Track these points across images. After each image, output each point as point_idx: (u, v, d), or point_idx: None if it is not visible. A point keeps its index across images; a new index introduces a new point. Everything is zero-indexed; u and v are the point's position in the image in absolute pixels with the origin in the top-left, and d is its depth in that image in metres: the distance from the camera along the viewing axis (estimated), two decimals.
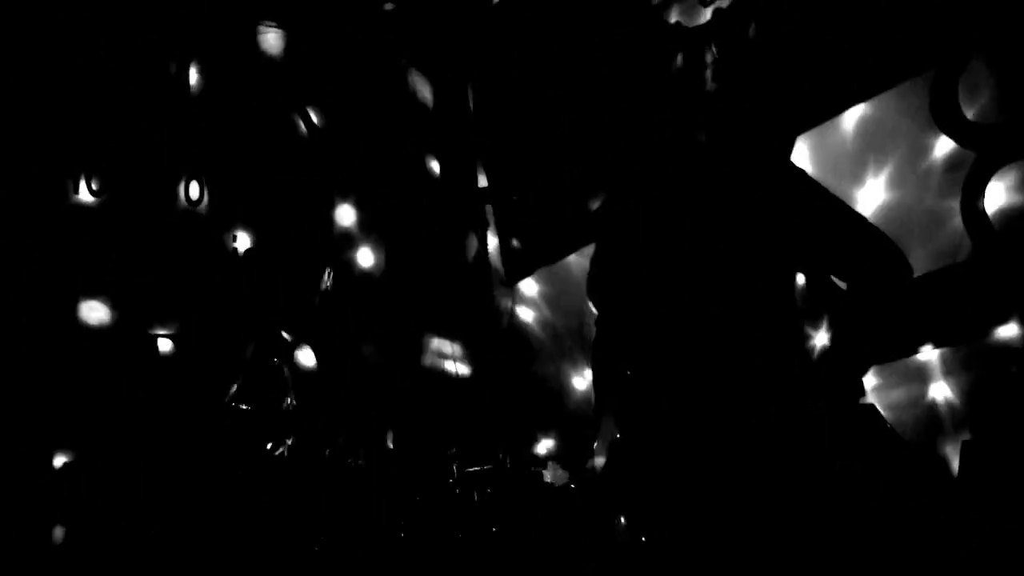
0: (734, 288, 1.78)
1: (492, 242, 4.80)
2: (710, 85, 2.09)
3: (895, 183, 3.25)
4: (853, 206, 3.27)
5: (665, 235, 1.84)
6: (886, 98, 3.23)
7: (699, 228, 1.80)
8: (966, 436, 2.87)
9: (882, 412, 3.17)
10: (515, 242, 4.68)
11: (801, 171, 1.98)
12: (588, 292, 2.13)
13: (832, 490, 1.82)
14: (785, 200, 1.82)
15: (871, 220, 3.34)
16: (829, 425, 1.90)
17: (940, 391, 3.11)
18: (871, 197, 3.28)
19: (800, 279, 1.91)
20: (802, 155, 3.42)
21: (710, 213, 1.80)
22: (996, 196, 2.95)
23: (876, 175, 3.29)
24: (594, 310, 2.12)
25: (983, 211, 2.94)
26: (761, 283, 1.79)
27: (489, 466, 3.43)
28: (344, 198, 4.69)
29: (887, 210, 3.23)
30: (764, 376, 1.75)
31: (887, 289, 1.85)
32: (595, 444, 1.97)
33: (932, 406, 3.11)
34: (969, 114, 2.98)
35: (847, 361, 1.91)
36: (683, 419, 1.76)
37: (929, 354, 3.11)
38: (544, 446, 4.30)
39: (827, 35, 3.27)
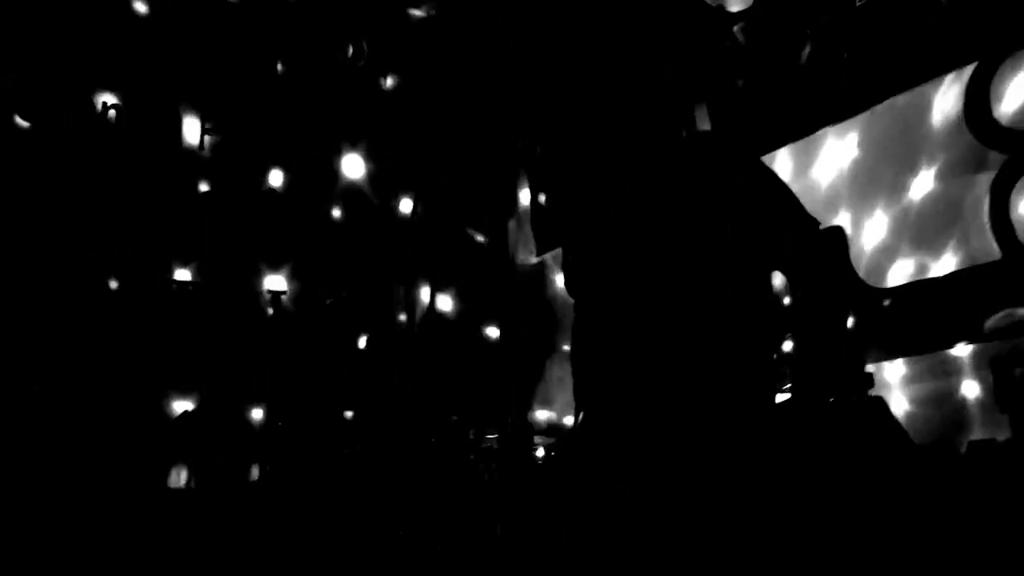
0: (715, 279, 1.73)
1: (524, 209, 4.78)
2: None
3: (935, 177, 3.15)
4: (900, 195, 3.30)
5: (642, 226, 1.80)
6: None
7: (675, 219, 1.76)
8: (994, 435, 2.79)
9: (907, 405, 3.16)
10: (545, 206, 4.65)
11: (770, 171, 1.92)
12: (565, 284, 2.10)
13: (825, 487, 1.79)
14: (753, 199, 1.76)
15: (914, 210, 3.36)
16: (828, 418, 1.85)
17: (971, 389, 3.02)
18: (915, 190, 3.20)
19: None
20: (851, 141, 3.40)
21: (686, 204, 1.76)
22: None
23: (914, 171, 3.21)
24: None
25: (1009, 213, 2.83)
26: (741, 276, 1.74)
27: (497, 435, 3.45)
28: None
29: (926, 203, 3.17)
30: (746, 367, 1.71)
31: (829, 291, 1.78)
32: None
33: (962, 403, 3.03)
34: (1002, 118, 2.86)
35: (847, 353, 1.85)
36: (661, 409, 1.73)
37: (962, 350, 3.02)
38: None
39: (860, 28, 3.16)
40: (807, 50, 3.15)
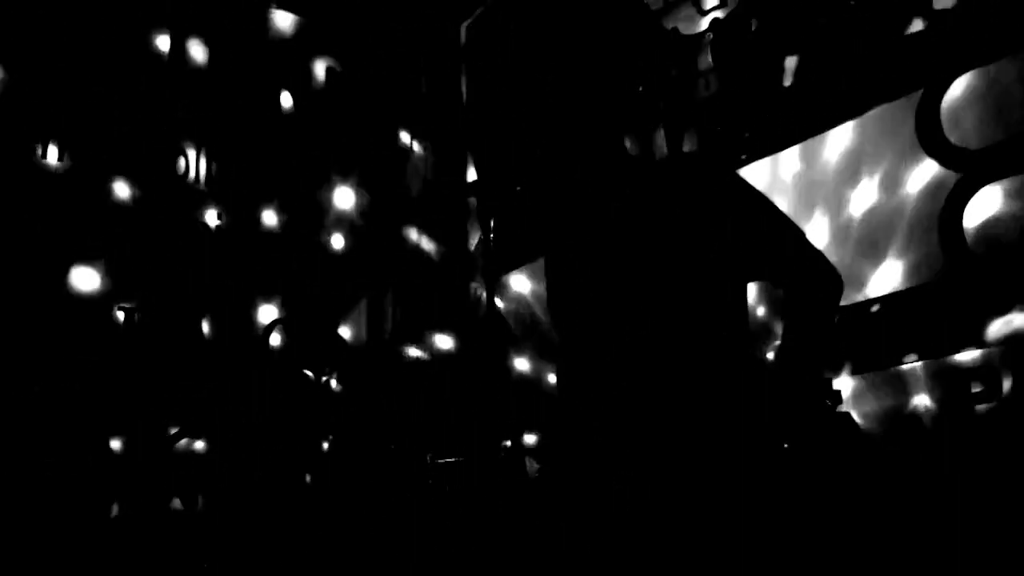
0: (688, 298, 1.74)
1: (475, 234, 4.76)
2: (703, 92, 2.05)
3: (881, 197, 3.24)
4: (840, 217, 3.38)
5: (620, 246, 1.81)
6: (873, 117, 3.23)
7: (653, 239, 1.77)
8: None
9: (859, 421, 3.21)
10: (500, 236, 4.64)
11: (750, 186, 1.95)
12: (548, 306, 2.09)
13: (797, 497, 1.79)
14: (736, 212, 1.78)
15: (858, 232, 3.45)
16: (794, 432, 1.86)
17: (922, 402, 3.09)
18: (858, 207, 3.28)
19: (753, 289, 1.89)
20: (792, 165, 3.47)
21: (664, 224, 1.77)
22: (976, 215, 2.93)
23: (863, 188, 3.29)
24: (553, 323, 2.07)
25: (961, 229, 2.91)
26: (715, 292, 1.75)
27: (460, 458, 3.40)
28: (330, 179, 4.67)
29: (873, 219, 3.25)
30: (723, 384, 1.71)
31: (820, 305, 1.81)
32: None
33: (913, 417, 3.10)
34: (952, 137, 2.97)
35: (812, 369, 1.86)
36: (644, 426, 1.72)
37: (913, 365, 3.10)
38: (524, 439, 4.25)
39: (817, 51, 3.26)
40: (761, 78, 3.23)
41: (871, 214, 3.21)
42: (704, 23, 3.37)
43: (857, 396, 3.17)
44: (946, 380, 2.90)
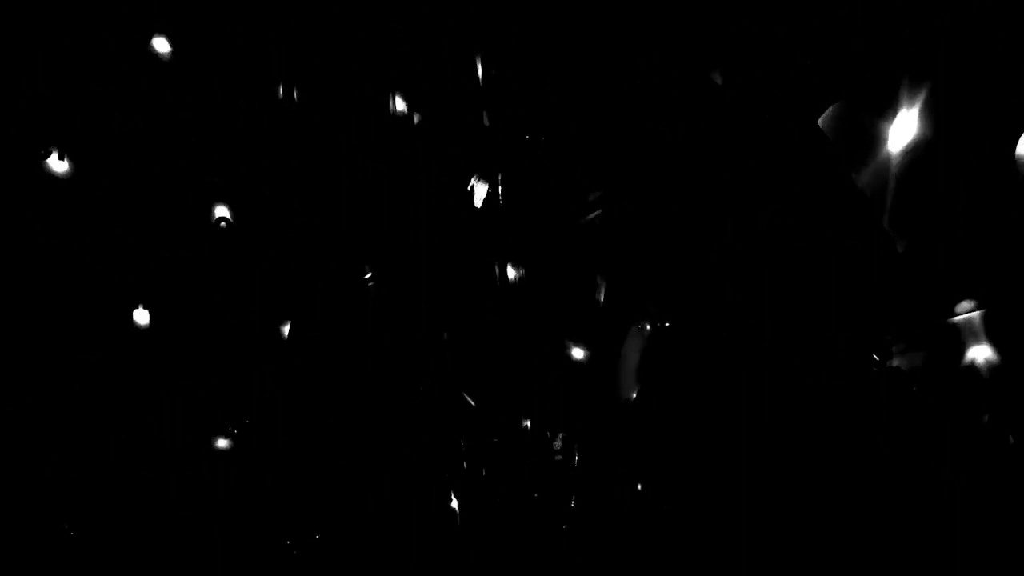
0: (713, 280, 1.65)
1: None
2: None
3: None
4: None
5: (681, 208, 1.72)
6: None
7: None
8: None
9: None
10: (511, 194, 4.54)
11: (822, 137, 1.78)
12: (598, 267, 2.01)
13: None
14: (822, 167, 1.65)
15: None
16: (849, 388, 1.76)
17: (981, 353, 2.92)
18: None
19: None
20: None
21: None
22: None
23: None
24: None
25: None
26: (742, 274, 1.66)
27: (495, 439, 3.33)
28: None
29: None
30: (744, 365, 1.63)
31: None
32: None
33: (971, 368, 2.93)
34: None
35: (868, 323, 1.76)
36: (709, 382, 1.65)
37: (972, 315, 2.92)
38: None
39: None
40: None
41: None
42: None
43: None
44: None
